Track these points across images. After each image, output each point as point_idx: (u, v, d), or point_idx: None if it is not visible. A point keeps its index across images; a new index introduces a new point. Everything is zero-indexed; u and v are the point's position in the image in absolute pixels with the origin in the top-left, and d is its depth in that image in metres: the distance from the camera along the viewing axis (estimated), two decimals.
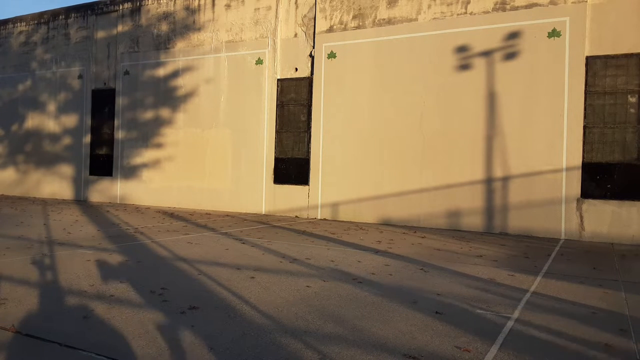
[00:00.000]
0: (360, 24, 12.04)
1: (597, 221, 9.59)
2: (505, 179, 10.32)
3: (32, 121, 17.50)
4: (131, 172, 15.29)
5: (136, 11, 15.42)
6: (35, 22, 17.64)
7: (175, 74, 14.67)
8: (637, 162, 9.46)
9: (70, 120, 16.67)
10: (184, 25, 14.59)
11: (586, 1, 9.77)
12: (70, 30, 16.79)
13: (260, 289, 4.99)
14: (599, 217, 9.58)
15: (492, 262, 6.90)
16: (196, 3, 14.41)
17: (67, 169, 16.65)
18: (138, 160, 15.17)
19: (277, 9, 13.14)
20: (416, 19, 11.38)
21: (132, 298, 4.56)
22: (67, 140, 16.71)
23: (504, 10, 10.48)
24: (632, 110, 9.54)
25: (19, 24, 18.05)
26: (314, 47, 12.61)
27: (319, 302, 4.60)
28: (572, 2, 9.86)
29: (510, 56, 10.34)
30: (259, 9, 13.41)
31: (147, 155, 15.04)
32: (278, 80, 13.10)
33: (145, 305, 4.33)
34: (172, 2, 14.81)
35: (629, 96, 9.56)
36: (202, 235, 8.81)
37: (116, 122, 15.62)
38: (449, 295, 4.98)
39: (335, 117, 12.25)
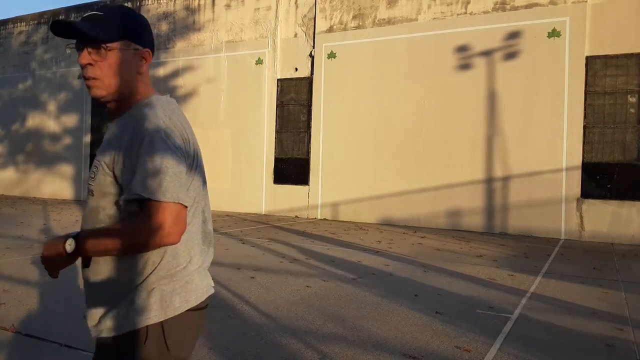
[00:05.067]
0: (360, 24, 12.04)
1: (597, 221, 9.59)
2: (505, 179, 10.32)
3: (32, 121, 17.51)
4: None
5: (136, 11, 15.41)
6: (35, 22, 17.64)
7: (175, 74, 14.67)
8: (637, 162, 9.46)
9: (70, 120, 16.68)
10: (184, 25, 14.59)
11: (586, 1, 9.76)
12: None
13: (261, 289, 4.99)
14: (599, 217, 9.58)
15: (492, 262, 6.90)
16: (196, 3, 14.41)
17: (67, 169, 16.66)
18: None
19: (277, 9, 13.13)
20: (416, 19, 11.38)
21: None
22: (67, 140, 16.71)
23: (504, 10, 10.48)
24: (632, 110, 9.54)
25: (19, 24, 18.06)
26: (314, 47, 12.61)
27: (319, 302, 4.61)
28: (572, 2, 9.86)
29: (510, 56, 10.34)
30: (259, 9, 13.41)
31: None
32: (278, 80, 13.10)
33: None
34: (172, 2, 14.81)
35: (629, 96, 9.56)
36: None
37: None
38: (449, 295, 4.99)
39: (335, 117, 12.25)
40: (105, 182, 1.37)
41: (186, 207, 1.34)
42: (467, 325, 4.00)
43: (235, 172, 13.58)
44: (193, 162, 1.42)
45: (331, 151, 12.26)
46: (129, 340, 1.35)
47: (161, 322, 1.35)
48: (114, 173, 1.35)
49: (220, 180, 13.77)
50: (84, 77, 1.40)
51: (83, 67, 1.39)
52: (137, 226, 1.30)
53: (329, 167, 12.27)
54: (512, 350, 3.47)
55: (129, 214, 1.35)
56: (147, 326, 1.34)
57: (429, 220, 11.00)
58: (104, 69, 1.38)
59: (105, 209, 1.38)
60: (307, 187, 12.57)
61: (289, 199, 12.77)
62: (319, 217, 12.33)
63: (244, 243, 8.00)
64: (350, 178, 11.98)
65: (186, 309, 1.40)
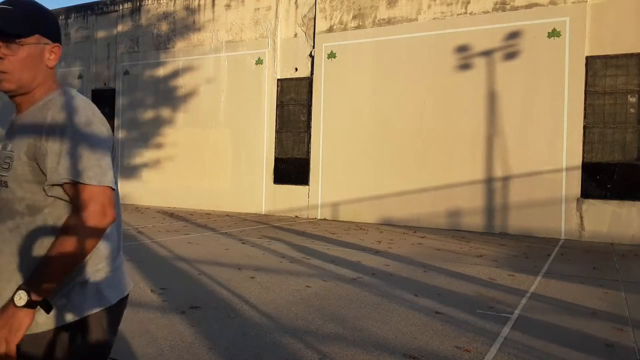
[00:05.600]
0: (360, 24, 12.04)
1: (597, 221, 9.59)
2: (505, 179, 10.32)
3: None
4: (131, 172, 15.29)
5: (136, 11, 15.42)
6: None
7: (175, 74, 14.67)
8: (637, 162, 9.46)
9: None
10: (184, 25, 14.59)
11: (586, 1, 9.77)
12: (70, 30, 16.79)
13: (261, 289, 4.99)
14: (599, 217, 9.58)
15: (492, 262, 6.90)
16: (196, 3, 14.41)
17: None
18: (138, 160, 15.17)
19: (277, 9, 13.13)
20: (416, 19, 11.37)
21: (132, 298, 4.56)
22: None
23: (504, 10, 10.48)
24: (632, 110, 9.54)
25: None
26: (314, 47, 12.61)
27: (319, 302, 4.61)
28: (572, 2, 9.86)
29: (510, 56, 10.34)
30: (259, 9, 13.41)
31: (147, 155, 15.04)
32: (278, 80, 13.10)
33: (145, 305, 4.33)
34: (172, 2, 14.81)
35: (629, 96, 9.56)
36: (202, 235, 8.81)
37: (116, 122, 15.63)
38: (449, 295, 4.99)
39: (335, 117, 12.25)
40: (24, 171, 1.36)
41: (114, 189, 1.40)
42: (467, 325, 4.01)
43: (235, 172, 13.58)
44: (112, 153, 1.47)
45: (331, 151, 12.26)
46: (65, 333, 1.36)
47: (98, 312, 1.41)
48: (36, 161, 1.35)
49: (220, 180, 13.77)
50: None
51: None
52: (82, 217, 1.31)
53: (329, 167, 12.27)
54: (512, 350, 3.47)
55: (57, 203, 1.36)
56: (86, 316, 1.38)
57: (429, 220, 11.00)
58: (14, 63, 1.38)
59: (24, 200, 1.37)
60: (307, 187, 12.57)
61: (289, 199, 12.77)
62: (319, 217, 12.33)
63: (244, 243, 8.01)
64: (350, 178, 11.98)
65: (119, 298, 1.47)
